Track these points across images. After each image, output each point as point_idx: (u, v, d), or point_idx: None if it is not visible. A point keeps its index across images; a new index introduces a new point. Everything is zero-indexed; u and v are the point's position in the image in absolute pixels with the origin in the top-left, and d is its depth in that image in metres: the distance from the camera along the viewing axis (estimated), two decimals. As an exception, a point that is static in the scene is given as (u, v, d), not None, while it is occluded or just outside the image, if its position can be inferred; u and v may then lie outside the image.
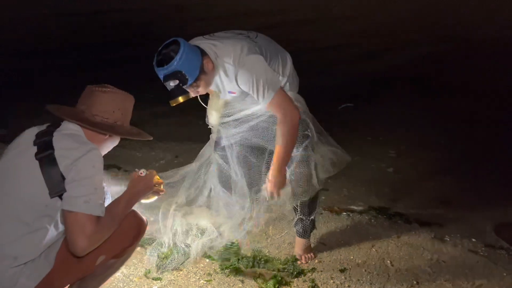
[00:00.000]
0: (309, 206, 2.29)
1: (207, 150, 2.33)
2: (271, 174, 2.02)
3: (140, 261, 2.26)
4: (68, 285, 1.59)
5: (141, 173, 1.66)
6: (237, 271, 2.19)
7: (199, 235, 2.32)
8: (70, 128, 1.53)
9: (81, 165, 1.44)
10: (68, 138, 1.50)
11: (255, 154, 2.20)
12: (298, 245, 2.36)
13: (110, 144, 1.67)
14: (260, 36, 2.09)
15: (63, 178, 1.42)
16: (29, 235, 1.43)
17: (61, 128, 1.53)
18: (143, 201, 1.76)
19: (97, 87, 1.58)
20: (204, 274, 2.18)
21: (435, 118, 4.85)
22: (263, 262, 2.27)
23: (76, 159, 1.44)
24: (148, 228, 1.70)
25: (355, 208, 3.03)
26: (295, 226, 2.35)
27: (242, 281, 2.13)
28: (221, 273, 2.19)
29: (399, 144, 4.22)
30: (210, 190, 2.33)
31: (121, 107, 1.60)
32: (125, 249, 1.60)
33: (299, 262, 2.31)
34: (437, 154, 4.03)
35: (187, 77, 1.80)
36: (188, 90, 1.87)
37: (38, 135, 1.51)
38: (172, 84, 1.79)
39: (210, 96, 2.26)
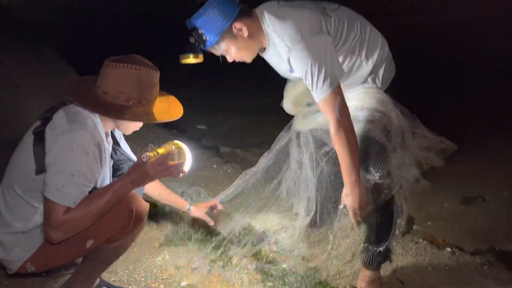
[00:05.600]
0: (378, 233, 1.76)
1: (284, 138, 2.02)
2: (346, 188, 1.60)
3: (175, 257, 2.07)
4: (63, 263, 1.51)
5: (143, 158, 1.36)
6: (275, 290, 1.82)
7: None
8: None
9: (58, 148, 1.29)
10: (66, 115, 1.35)
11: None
12: (361, 276, 1.85)
13: (130, 124, 1.49)
14: (342, 10, 1.65)
15: None
16: (21, 207, 1.38)
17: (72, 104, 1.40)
18: None
19: (112, 62, 1.37)
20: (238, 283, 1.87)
21: None
22: (311, 285, 1.85)
23: (56, 139, 1.30)
24: (145, 219, 1.45)
25: (467, 245, 2.31)
26: (361, 253, 1.86)
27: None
28: (257, 286, 1.85)
29: None
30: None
31: (135, 84, 1.37)
32: (112, 236, 1.40)
33: (357, 297, 1.82)
34: None
35: (204, 37, 1.51)
36: (211, 51, 1.58)
37: (48, 110, 1.41)
38: (192, 40, 1.53)
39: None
